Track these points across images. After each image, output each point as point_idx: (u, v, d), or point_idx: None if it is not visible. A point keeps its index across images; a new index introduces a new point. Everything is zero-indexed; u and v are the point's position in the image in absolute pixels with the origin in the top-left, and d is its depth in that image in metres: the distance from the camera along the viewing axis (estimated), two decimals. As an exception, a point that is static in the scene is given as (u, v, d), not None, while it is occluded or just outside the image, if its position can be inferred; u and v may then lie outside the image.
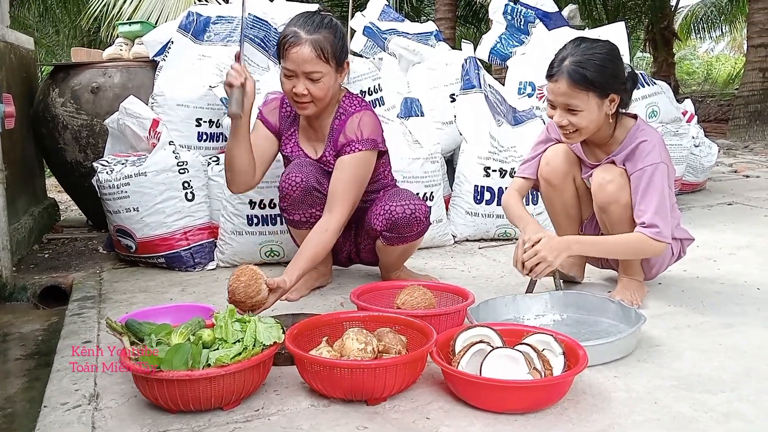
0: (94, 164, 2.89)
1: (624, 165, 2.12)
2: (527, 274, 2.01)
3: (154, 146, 2.91)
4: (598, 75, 2.00)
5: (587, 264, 2.47)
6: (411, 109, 3.22)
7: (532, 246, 1.97)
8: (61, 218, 4.05)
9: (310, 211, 2.26)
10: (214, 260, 2.87)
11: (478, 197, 3.10)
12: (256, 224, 2.79)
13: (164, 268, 2.84)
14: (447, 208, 3.22)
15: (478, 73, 3.24)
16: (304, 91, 2.12)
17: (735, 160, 5.81)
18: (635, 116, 2.16)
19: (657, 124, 3.61)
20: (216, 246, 2.87)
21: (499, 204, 3.08)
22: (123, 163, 2.84)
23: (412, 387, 1.60)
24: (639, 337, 1.85)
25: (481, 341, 1.59)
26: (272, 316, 2.04)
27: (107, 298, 2.48)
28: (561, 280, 2.22)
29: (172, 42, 3.21)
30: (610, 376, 1.69)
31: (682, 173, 3.79)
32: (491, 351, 1.53)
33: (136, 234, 2.80)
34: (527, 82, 3.59)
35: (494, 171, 3.09)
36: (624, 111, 2.14)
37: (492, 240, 3.18)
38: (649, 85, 3.65)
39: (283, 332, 1.61)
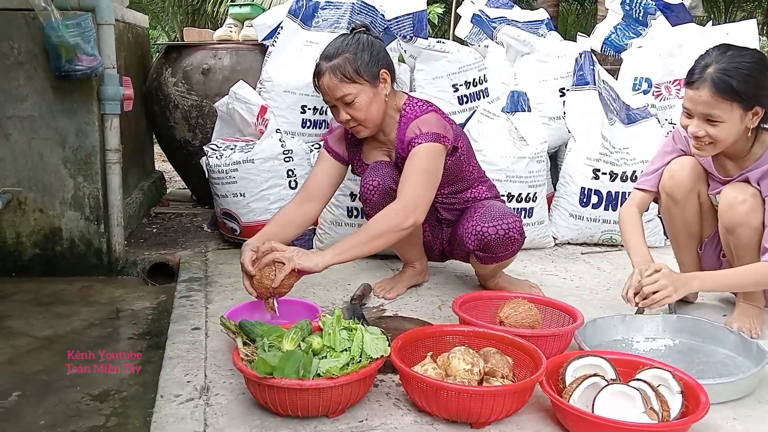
0: (205, 148, 2.97)
1: (759, 185, 1.97)
2: (639, 303, 1.90)
3: (262, 132, 2.96)
4: (745, 85, 1.86)
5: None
6: (518, 103, 3.13)
7: (654, 272, 1.86)
8: (167, 191, 4.22)
9: None
10: (313, 248, 2.91)
11: (585, 200, 2.98)
12: (356, 216, 2.80)
13: (265, 253, 2.90)
14: (549, 208, 3.12)
15: (593, 69, 3.10)
16: (347, 116, 2.10)
17: None
18: None
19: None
20: (315, 235, 2.91)
21: (606, 209, 2.96)
22: (232, 149, 2.91)
23: (518, 412, 1.56)
24: (761, 376, 1.73)
25: (595, 374, 1.52)
26: (371, 318, 2.05)
27: (213, 281, 2.56)
28: (675, 304, 2.10)
29: (282, 27, 3.23)
30: (729, 417, 1.59)
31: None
32: (606, 386, 1.47)
33: (242, 218, 2.87)
34: (643, 78, 3.40)
35: (604, 174, 2.95)
36: (765, 126, 1.98)
37: (596, 245, 3.07)
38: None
39: (389, 343, 1.61)
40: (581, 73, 3.09)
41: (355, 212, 2.80)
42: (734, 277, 1.95)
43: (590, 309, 2.31)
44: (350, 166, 2.36)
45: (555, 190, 3.17)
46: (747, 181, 1.99)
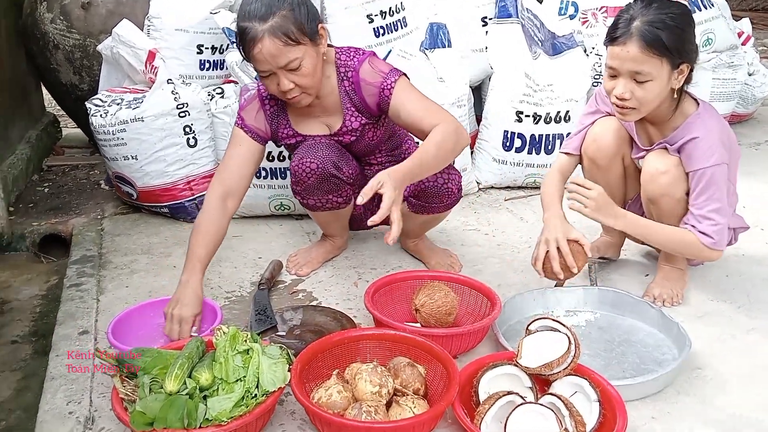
0: (87, 104, 2.64)
1: (678, 154, 1.85)
2: (548, 275, 1.85)
3: (152, 81, 2.64)
4: (674, 38, 1.71)
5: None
6: (437, 38, 2.87)
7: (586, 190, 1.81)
8: (62, 134, 3.82)
9: (327, 197, 2.04)
10: (221, 211, 2.69)
11: (508, 144, 2.83)
12: (265, 177, 2.57)
13: (168, 217, 2.67)
14: (472, 148, 2.96)
15: (516, 0, 2.85)
16: (290, 85, 1.80)
17: (786, 71, 5.33)
18: (697, 102, 1.86)
19: (711, 54, 3.22)
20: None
21: (530, 152, 2.82)
22: (118, 104, 2.59)
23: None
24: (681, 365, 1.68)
25: (509, 392, 1.43)
26: (281, 310, 1.89)
27: (107, 261, 2.33)
28: (596, 274, 2.03)
29: (169, -48, 2.82)
30: (648, 416, 1.54)
31: (731, 109, 3.45)
32: (518, 406, 1.38)
33: (137, 183, 2.60)
34: (569, 2, 3.18)
35: (527, 116, 2.78)
36: (687, 90, 1.85)
37: (519, 188, 2.95)
38: (706, 7, 3.22)
39: (290, 364, 1.46)
40: (503, 4, 2.85)
41: (264, 173, 2.56)
42: (663, 234, 1.88)
43: (511, 273, 2.23)
44: (272, 139, 2.06)
45: (479, 125, 3.00)
46: (667, 149, 1.87)
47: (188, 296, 1.75)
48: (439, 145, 1.79)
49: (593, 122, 2.01)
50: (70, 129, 3.95)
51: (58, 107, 3.62)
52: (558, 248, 1.84)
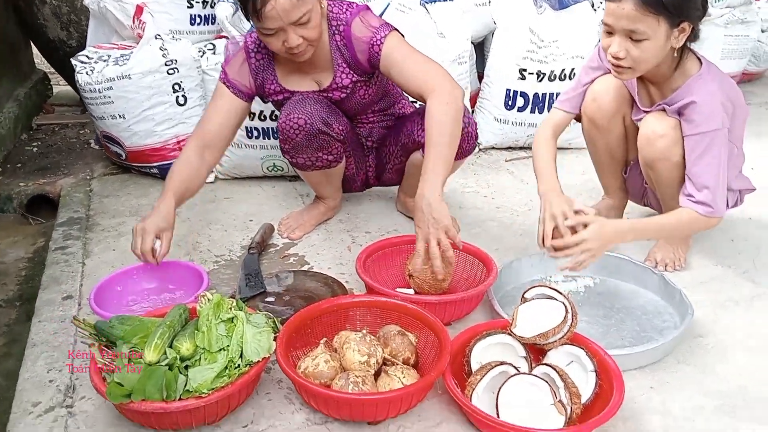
0: (73, 61, 2.54)
1: (677, 116, 1.76)
2: (555, 255, 1.72)
3: (140, 37, 2.53)
4: None
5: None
6: (437, -10, 2.75)
7: (581, 228, 1.64)
8: (53, 92, 3.73)
9: (317, 155, 1.96)
10: (212, 172, 2.62)
11: (510, 102, 2.73)
12: (257, 137, 2.49)
13: (158, 178, 2.60)
14: (473, 107, 2.87)
15: (520, -50, 2.72)
16: (299, 40, 1.73)
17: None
18: (700, 61, 1.75)
19: (724, 10, 3.09)
20: (213, 157, 2.60)
21: (532, 111, 2.73)
22: (105, 60, 2.49)
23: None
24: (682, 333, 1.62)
25: (501, 363, 1.37)
26: (270, 276, 1.84)
27: (95, 223, 2.27)
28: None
29: None
30: (646, 386, 1.49)
31: (743, 67, 3.33)
32: (511, 377, 1.33)
33: (125, 143, 2.52)
34: (577, -47, 3.03)
35: (531, 74, 2.68)
36: (690, 47, 1.74)
37: (521, 149, 2.86)
38: (721, -41, 3.08)
39: (276, 333, 1.41)
40: (507, -45, 2.71)
41: (255, 133, 2.48)
42: (667, 226, 1.76)
43: (510, 237, 2.16)
44: (258, 95, 1.99)
45: (480, 83, 2.89)
46: (665, 111, 1.78)
47: (157, 213, 1.73)
48: (444, 124, 1.69)
49: (593, 80, 1.92)
50: (61, 86, 3.86)
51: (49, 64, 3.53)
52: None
